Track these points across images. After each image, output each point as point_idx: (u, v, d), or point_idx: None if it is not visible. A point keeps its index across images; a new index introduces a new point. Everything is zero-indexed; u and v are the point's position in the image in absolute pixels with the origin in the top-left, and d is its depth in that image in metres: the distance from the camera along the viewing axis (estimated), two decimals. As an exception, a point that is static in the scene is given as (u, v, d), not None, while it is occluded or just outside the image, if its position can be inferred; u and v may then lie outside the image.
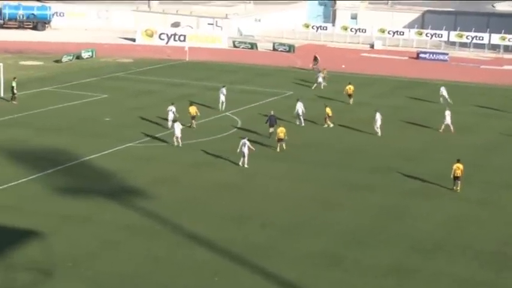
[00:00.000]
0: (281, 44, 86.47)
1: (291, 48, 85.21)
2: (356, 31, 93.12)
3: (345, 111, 53.79)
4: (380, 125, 47.34)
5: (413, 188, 37.43)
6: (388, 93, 61.86)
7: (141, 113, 51.12)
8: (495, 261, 28.90)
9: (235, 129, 48.27)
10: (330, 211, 34.02)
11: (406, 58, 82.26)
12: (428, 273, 27.77)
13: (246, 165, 39.65)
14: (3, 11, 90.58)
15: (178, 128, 42.91)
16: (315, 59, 72.33)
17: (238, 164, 39.84)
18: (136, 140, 44.73)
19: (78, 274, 26.91)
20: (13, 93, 53.70)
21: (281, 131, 43.13)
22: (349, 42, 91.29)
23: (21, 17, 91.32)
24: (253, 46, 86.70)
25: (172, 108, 47.35)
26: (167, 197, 35.03)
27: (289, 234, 31.24)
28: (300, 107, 48.92)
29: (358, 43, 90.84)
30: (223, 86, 54.97)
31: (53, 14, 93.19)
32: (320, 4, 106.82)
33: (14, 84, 53.95)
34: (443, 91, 57.95)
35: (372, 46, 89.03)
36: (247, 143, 39.87)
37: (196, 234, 30.61)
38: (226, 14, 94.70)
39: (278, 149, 43.13)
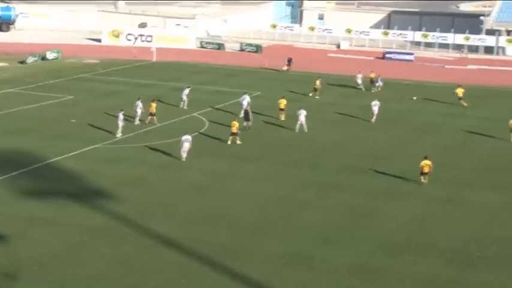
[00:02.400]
0: (248, 45, 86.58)
1: (258, 49, 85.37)
2: (323, 31, 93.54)
3: (314, 111, 53.93)
4: (305, 122, 47.46)
5: (381, 188, 37.70)
6: (354, 93, 62.21)
7: (107, 114, 50.78)
8: (460, 259, 29.23)
9: (203, 129, 48.22)
10: (298, 211, 34.11)
11: (372, 58, 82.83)
12: (394, 272, 27.99)
13: (185, 159, 40.38)
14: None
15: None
16: (289, 60, 72.42)
17: (181, 161, 39.79)
18: (103, 141, 44.43)
19: (43, 277, 26.65)
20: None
21: (233, 125, 44.19)
22: (316, 43, 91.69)
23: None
24: (220, 47, 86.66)
25: (139, 103, 47.47)
26: (134, 199, 34.84)
27: (257, 234, 31.29)
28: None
29: (325, 43, 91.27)
30: (188, 87, 55.19)
31: (18, 15, 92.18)
32: (287, 5, 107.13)
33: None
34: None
35: (339, 46, 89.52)
36: (189, 138, 40.62)
37: (164, 236, 30.50)
38: (194, 15, 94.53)
39: (229, 142, 44.00)
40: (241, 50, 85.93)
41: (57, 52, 75.60)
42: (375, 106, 51.64)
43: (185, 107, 53.42)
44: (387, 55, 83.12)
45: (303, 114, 47.95)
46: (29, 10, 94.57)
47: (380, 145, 46.12)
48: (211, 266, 27.95)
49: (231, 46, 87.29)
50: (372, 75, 63.24)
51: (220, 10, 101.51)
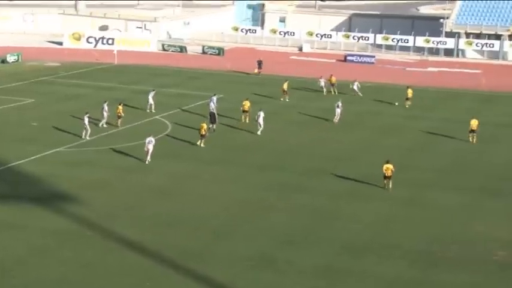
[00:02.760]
0: (210, 47, 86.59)
1: (220, 51, 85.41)
2: (285, 34, 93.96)
3: (277, 114, 54.21)
4: (262, 124, 47.78)
5: (344, 189, 38.02)
6: (315, 96, 62.54)
7: (69, 118, 50.36)
8: (422, 260, 29.62)
9: (166, 132, 48.13)
10: (262, 213, 34.23)
11: (334, 61, 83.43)
12: (358, 273, 28.25)
13: (148, 161, 40.54)
14: None
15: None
16: (259, 63, 72.42)
17: (145, 164, 39.70)
18: (65, 144, 44.06)
19: (6, 281, 26.34)
20: None
21: (202, 127, 44.46)
22: (278, 45, 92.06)
23: None
24: (182, 49, 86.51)
25: (105, 106, 47.35)
26: (98, 202, 34.63)
27: (222, 237, 31.33)
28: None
29: (287, 46, 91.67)
30: (153, 90, 55.08)
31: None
32: (249, 7, 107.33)
33: None
34: (356, 86, 61.75)
35: (301, 49, 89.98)
36: (153, 140, 40.78)
37: (128, 239, 30.37)
38: (155, 18, 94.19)
39: (198, 143, 44.34)
40: (204, 52, 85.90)
41: (18, 55, 74.72)
42: (338, 108, 52.15)
43: (153, 110, 53.07)
44: (349, 58, 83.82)
45: (261, 116, 48.08)
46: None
47: (343, 147, 46.52)
48: (176, 269, 27.91)
49: (193, 49, 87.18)
50: (333, 79, 63.40)
51: (181, 13, 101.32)
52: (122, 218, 32.93)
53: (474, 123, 48.07)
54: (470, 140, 47.95)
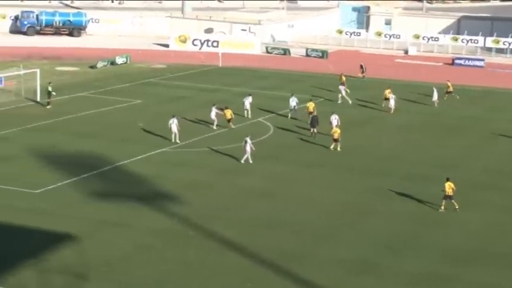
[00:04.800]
0: (314, 50, 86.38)
1: (323, 54, 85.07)
2: (390, 37, 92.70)
3: (382, 117, 53.51)
4: (337, 125, 46.48)
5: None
6: (422, 99, 61.34)
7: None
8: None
9: (268, 134, 48.33)
10: (363, 218, 33.82)
11: (441, 64, 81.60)
12: (464, 283, 27.43)
13: (250, 161, 40.78)
14: (40, 17, 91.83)
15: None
16: (362, 67, 71.64)
17: (246, 166, 39.79)
18: (170, 145, 44.96)
19: (112, 278, 27.10)
20: (49, 98, 54.56)
21: (335, 131, 43.95)
22: (383, 48, 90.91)
23: (57, 23, 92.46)
24: (286, 52, 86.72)
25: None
26: (199, 203, 35.13)
27: (322, 240, 31.13)
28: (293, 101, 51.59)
29: (392, 49, 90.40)
30: (250, 95, 54.66)
31: (89, 21, 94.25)
32: (353, 10, 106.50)
33: (50, 88, 54.76)
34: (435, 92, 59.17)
35: (406, 52, 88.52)
36: (249, 141, 40.86)
37: (228, 240, 30.64)
38: (260, 20, 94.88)
39: (332, 147, 44.12)
40: (307, 55, 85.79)
41: (126, 57, 76.95)
42: (392, 100, 53.51)
43: (249, 116, 52.83)
44: (457, 61, 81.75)
45: (334, 119, 47.12)
46: (100, 16, 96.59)
47: (448, 153, 45.33)
48: (276, 270, 27.93)
49: (297, 51, 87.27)
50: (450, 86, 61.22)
51: (286, 15, 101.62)
52: (222, 218, 33.27)
53: None
54: None
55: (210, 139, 46.78)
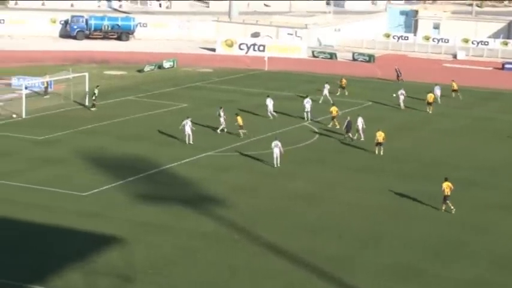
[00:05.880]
0: (361, 54, 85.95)
1: (370, 58, 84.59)
2: (438, 41, 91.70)
3: (425, 122, 53.00)
4: (363, 129, 46.61)
5: (495, 202, 36.47)
6: (472, 104, 60.57)
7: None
8: None
9: (315, 138, 48.24)
10: (408, 223, 33.54)
11: (491, 69, 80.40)
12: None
13: (278, 165, 40.93)
14: (89, 21, 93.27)
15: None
16: (397, 71, 71.15)
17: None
18: (215, 149, 45.21)
19: (157, 281, 27.33)
20: (93, 100, 55.46)
21: (380, 135, 43.73)
22: (431, 53, 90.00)
23: (106, 27, 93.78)
24: (332, 56, 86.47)
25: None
26: (244, 206, 35.26)
27: (366, 245, 30.97)
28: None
29: (441, 53, 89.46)
30: (307, 96, 54.97)
31: (137, 25, 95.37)
32: (401, 13, 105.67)
33: (96, 91, 55.61)
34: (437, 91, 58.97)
35: (455, 56, 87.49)
36: (279, 144, 40.98)
37: (273, 244, 30.68)
38: (306, 24, 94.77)
39: (376, 152, 43.91)
40: (354, 59, 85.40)
41: (173, 61, 77.64)
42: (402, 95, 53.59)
43: (309, 119, 52.80)
44: (507, 66, 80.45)
45: (360, 123, 46.99)
46: (148, 20, 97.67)
47: (497, 157, 44.65)
48: (320, 275, 27.87)
49: (343, 55, 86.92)
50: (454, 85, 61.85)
51: (332, 19, 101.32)
52: (266, 222, 33.32)
53: None
54: None
55: (255, 143, 46.84)
